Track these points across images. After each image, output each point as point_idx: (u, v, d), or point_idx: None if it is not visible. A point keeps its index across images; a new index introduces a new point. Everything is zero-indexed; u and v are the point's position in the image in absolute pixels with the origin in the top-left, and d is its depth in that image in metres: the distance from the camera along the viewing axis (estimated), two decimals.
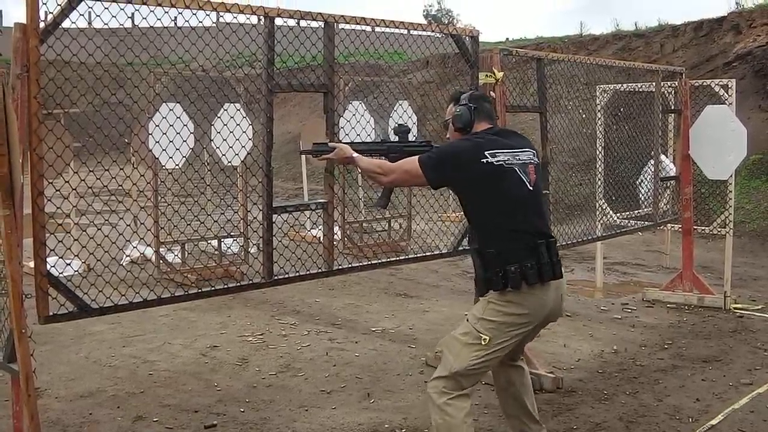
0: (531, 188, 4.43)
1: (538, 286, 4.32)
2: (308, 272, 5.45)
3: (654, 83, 8.94)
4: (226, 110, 9.47)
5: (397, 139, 5.20)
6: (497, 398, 5.03)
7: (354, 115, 8.83)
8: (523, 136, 4.75)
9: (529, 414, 4.79)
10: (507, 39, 32.51)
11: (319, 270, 5.52)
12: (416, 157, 4.56)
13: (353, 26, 5.67)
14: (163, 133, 5.43)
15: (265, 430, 5.47)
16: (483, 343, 4.28)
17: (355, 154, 4.87)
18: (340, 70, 17.49)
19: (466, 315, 4.52)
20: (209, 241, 10.60)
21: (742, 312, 8.86)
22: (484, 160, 4.35)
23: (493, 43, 29.10)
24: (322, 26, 5.38)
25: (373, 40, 6.26)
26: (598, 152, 9.71)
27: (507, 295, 4.29)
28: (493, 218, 4.42)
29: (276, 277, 5.27)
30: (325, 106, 5.48)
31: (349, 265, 5.74)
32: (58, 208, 5.18)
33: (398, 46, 6.24)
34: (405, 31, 6.06)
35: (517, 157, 4.45)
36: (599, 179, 9.71)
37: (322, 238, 5.64)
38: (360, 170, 5.07)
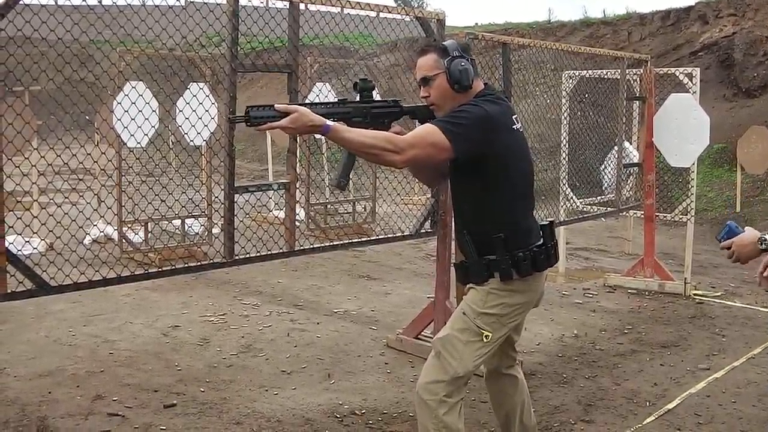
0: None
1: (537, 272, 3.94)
2: (269, 252, 5.44)
3: (619, 70, 8.98)
4: (190, 90, 9.40)
5: (358, 98, 4.05)
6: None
7: (317, 96, 8.81)
8: None
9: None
10: (476, 24, 32.50)
11: (281, 251, 5.52)
12: (430, 124, 3.73)
13: (322, 8, 5.65)
14: (125, 111, 5.40)
15: (225, 410, 5.45)
16: (485, 339, 3.86)
17: (330, 122, 3.61)
18: (307, 51, 17.43)
19: (462, 310, 3.98)
20: (172, 222, 10.54)
21: (702, 298, 8.96)
22: (514, 126, 3.87)
23: (461, 28, 29.08)
24: (287, 6, 5.36)
25: (341, 22, 6.24)
26: (562, 138, 9.75)
27: (513, 284, 3.87)
28: (512, 196, 3.89)
29: (237, 257, 5.27)
30: (288, 86, 5.47)
31: (311, 246, 5.74)
32: (17, 185, 5.13)
33: (365, 28, 6.23)
34: (374, 14, 6.05)
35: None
36: (563, 165, 9.75)
37: (284, 219, 5.63)
38: (343, 144, 3.67)
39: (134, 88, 6.95)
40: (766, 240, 3.44)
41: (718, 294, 9.18)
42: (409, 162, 3.69)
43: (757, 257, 3.53)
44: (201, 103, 6.86)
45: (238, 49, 5.17)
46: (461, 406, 3.90)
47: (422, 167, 4.15)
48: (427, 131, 3.66)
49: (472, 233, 3.94)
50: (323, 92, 10.38)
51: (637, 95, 9.59)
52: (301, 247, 5.65)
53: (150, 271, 5.07)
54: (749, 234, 3.54)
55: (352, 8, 5.76)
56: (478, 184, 3.87)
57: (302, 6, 5.49)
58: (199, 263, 5.44)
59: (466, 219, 4.02)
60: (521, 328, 4.30)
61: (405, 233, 6.50)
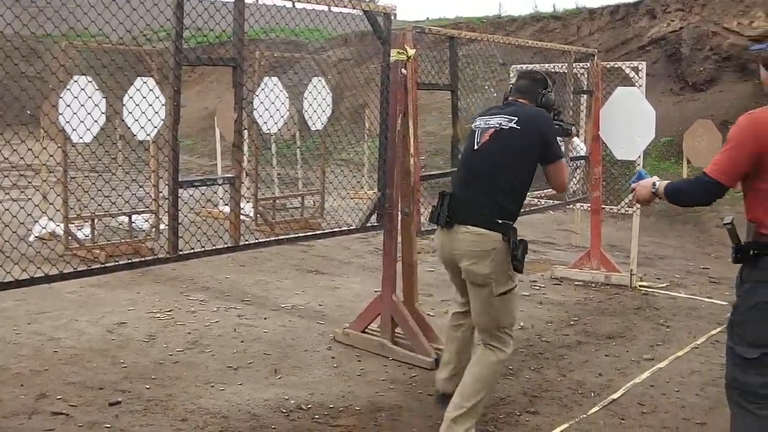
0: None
1: None
2: (214, 248, 5.41)
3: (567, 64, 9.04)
4: (135, 85, 9.30)
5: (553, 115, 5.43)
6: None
7: (263, 89, 8.78)
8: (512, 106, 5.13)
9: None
10: (427, 18, 32.46)
11: (225, 245, 5.49)
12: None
13: (272, 1, 5.63)
14: (67, 105, 5.33)
15: (171, 406, 5.41)
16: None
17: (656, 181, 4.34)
18: (259, 45, 17.35)
19: (490, 279, 4.78)
20: (119, 218, 10.44)
21: (647, 290, 9.06)
22: (473, 125, 5.14)
23: (412, 22, 29.05)
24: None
25: (296, 16, 6.23)
26: None
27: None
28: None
29: (181, 253, 5.23)
30: (233, 80, 5.45)
31: (256, 241, 5.73)
32: None
33: (314, 21, 6.22)
34: (325, 8, 6.03)
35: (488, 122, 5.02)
36: None
37: (228, 214, 5.61)
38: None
39: (76, 82, 6.85)
40: (655, 185, 4.26)
41: (664, 285, 9.27)
42: None
43: (650, 199, 4.35)
44: (145, 98, 6.79)
45: (184, 42, 5.13)
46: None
47: None
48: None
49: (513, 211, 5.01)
50: (269, 86, 10.35)
51: (585, 89, 9.66)
52: (246, 242, 5.62)
53: (93, 267, 5.02)
54: (649, 180, 4.34)
55: (301, 2, 5.74)
56: (528, 173, 5.03)
57: (251, 0, 5.48)
58: (142, 259, 5.39)
59: (510, 201, 5.02)
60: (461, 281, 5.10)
61: (351, 227, 6.49)
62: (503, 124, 4.92)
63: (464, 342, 5.36)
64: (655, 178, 4.34)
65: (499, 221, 4.80)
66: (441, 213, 4.99)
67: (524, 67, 9.86)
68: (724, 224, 4.02)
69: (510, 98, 5.27)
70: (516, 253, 4.76)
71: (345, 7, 6.23)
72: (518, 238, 4.81)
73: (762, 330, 3.83)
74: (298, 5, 5.91)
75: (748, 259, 3.93)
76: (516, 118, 4.92)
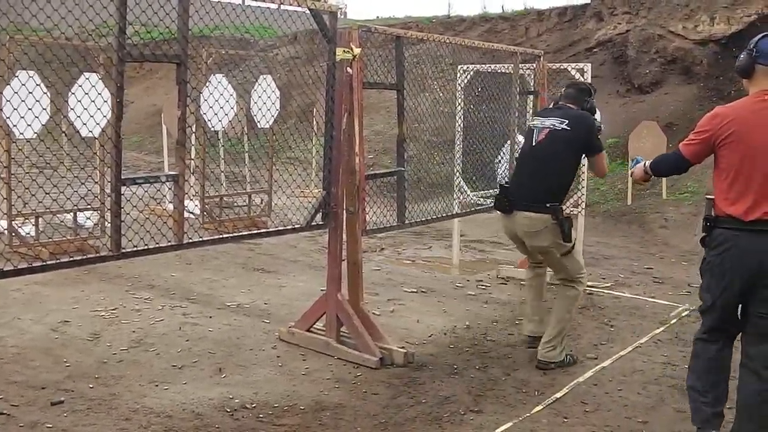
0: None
1: None
2: (157, 246, 5.37)
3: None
4: (85, 81, 9.18)
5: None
6: None
7: (210, 87, 8.71)
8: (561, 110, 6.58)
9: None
10: (377, 17, 32.49)
11: (169, 244, 5.45)
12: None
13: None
14: (8, 101, 5.26)
15: (114, 406, 5.37)
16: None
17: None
18: (207, 42, 17.24)
19: (550, 248, 6.40)
20: (64, 215, 10.31)
21: (593, 290, 9.14)
22: (529, 124, 6.95)
23: (362, 21, 29.08)
24: None
25: (241, 13, 6.20)
26: (456, 131, 9.83)
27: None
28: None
29: (124, 250, 5.19)
30: (177, 77, 5.40)
31: (200, 239, 5.69)
32: None
33: (260, 18, 6.19)
34: (273, 6, 6.01)
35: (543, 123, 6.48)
36: (457, 158, 9.83)
37: (172, 212, 5.57)
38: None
39: (17, 77, 6.76)
40: (646, 164, 5.33)
41: (608, 285, 9.36)
42: None
43: (645, 178, 5.42)
44: (100, 94, 6.73)
45: (130, 38, 5.09)
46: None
47: None
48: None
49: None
50: (214, 83, 10.28)
51: (531, 90, 9.71)
52: (190, 240, 5.59)
53: (34, 265, 4.96)
54: (641, 163, 5.40)
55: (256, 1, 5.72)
56: (574, 164, 6.73)
57: None
58: (84, 257, 5.32)
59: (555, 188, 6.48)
60: (528, 250, 6.78)
61: (296, 226, 6.48)
62: (556, 125, 6.34)
63: (537, 290, 7.12)
64: (647, 161, 5.38)
65: (548, 205, 6.26)
66: (503, 202, 6.48)
67: (472, 66, 9.92)
68: (707, 198, 5.06)
69: (560, 102, 6.66)
70: (564, 228, 6.28)
71: (291, 5, 6.21)
72: (564, 216, 6.32)
73: (711, 281, 4.83)
74: (246, 2, 5.87)
75: (706, 229, 4.87)
76: (567, 120, 6.34)
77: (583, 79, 9.35)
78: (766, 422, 4.71)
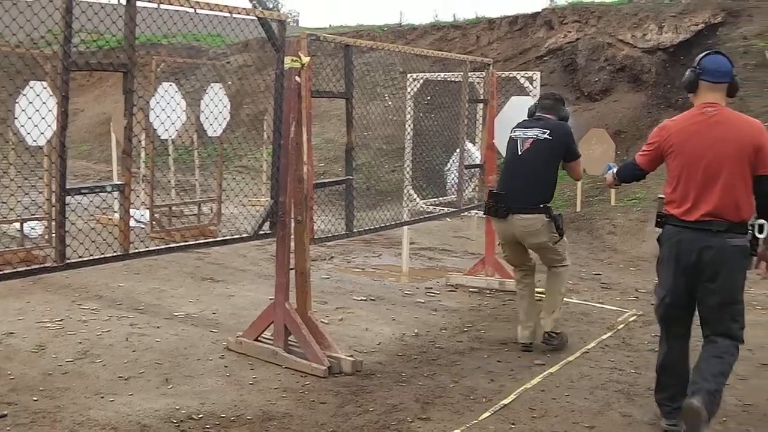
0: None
1: None
2: (102, 256, 5.33)
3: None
4: (30, 90, 9.09)
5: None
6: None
7: (160, 95, 8.65)
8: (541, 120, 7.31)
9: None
10: (329, 26, 32.49)
11: (115, 254, 5.41)
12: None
13: (172, 8, 5.57)
14: None
15: (59, 418, 5.30)
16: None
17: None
18: (157, 50, 17.13)
19: (545, 244, 7.19)
20: (11, 224, 10.19)
21: (541, 296, 9.17)
22: (512, 134, 7.33)
23: (314, 29, 29.03)
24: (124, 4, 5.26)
25: (186, 21, 6.17)
26: (406, 139, 9.86)
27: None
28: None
29: (69, 261, 5.14)
30: (124, 86, 5.38)
31: (146, 249, 5.65)
32: None
33: (208, 27, 6.17)
34: (223, 14, 6.00)
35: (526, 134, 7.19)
36: (407, 166, 9.86)
37: (118, 221, 5.52)
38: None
39: None
40: (614, 173, 5.99)
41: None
42: None
43: (614, 183, 6.11)
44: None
45: (82, 46, 5.05)
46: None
47: None
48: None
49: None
50: (169, 92, 10.23)
51: (480, 98, 9.77)
52: (136, 250, 5.55)
53: None
54: (611, 170, 6.07)
55: (200, 8, 5.69)
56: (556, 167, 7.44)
57: (152, 5, 5.41)
58: (27, 267, 5.26)
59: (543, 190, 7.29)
60: (516, 251, 7.44)
61: (244, 235, 6.47)
62: (539, 135, 7.09)
63: (530, 296, 7.44)
64: (615, 168, 6.03)
65: (541, 206, 7.08)
66: (498, 208, 7.12)
67: (421, 75, 9.97)
68: (659, 197, 5.59)
69: (537, 113, 7.35)
70: (557, 224, 7.11)
71: (240, 13, 6.19)
72: (555, 213, 7.16)
73: (663, 275, 5.47)
74: (190, 10, 5.83)
75: (658, 224, 5.49)
76: (548, 131, 7.09)
77: (532, 87, 9.43)
78: (712, 374, 5.15)
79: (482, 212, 9.78)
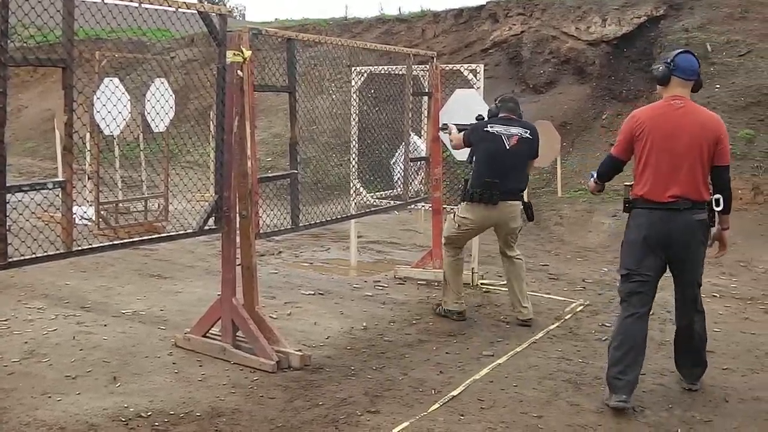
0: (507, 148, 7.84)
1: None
2: (45, 254, 5.27)
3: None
4: None
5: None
6: None
7: (103, 90, 8.58)
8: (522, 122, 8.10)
9: (518, 296, 8.02)
10: (275, 19, 32.27)
11: (58, 251, 5.35)
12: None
13: (118, 1, 5.51)
14: None
15: (4, 420, 5.23)
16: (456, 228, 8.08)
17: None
18: (101, 45, 16.93)
19: (519, 227, 8.16)
20: None
21: (489, 287, 9.26)
22: (487, 129, 7.89)
23: (259, 23, 28.88)
24: None
25: (125, 15, 6.10)
26: (352, 133, 9.86)
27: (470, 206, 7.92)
28: (479, 163, 7.93)
29: (11, 260, 5.08)
30: (63, 82, 5.31)
31: (89, 246, 5.59)
32: None
33: (160, 22, 6.13)
34: (164, 8, 5.94)
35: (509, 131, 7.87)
36: (353, 159, 9.86)
37: (60, 219, 5.46)
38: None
39: None
40: (594, 176, 6.31)
41: (504, 283, 9.45)
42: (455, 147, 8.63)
43: (597, 188, 6.38)
44: None
45: (18, 41, 4.97)
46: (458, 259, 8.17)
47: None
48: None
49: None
50: (110, 87, 10.15)
51: (425, 91, 9.78)
52: (79, 248, 5.49)
53: None
54: (592, 177, 6.36)
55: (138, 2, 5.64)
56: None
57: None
58: None
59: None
60: (502, 234, 8.11)
61: (188, 230, 6.43)
62: (522, 133, 7.89)
63: (522, 275, 8.17)
64: (594, 173, 6.33)
65: (521, 194, 8.02)
66: (492, 195, 7.69)
67: (366, 68, 9.97)
68: (625, 184, 6.07)
69: (503, 114, 8.02)
70: (529, 212, 8.04)
71: (180, 7, 6.14)
72: (527, 201, 8.09)
73: (629, 255, 5.87)
74: (134, 5, 5.77)
75: (626, 209, 6.00)
76: (528, 130, 7.96)
77: (476, 80, 9.48)
78: (693, 349, 6.19)
79: (429, 205, 9.87)
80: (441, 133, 9.28)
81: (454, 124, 8.72)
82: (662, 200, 5.70)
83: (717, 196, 5.81)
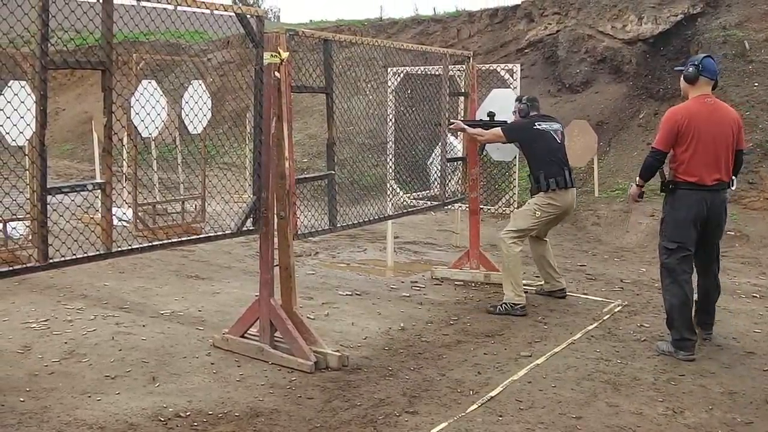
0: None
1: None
2: (85, 255, 5.31)
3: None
4: (10, 87, 9.05)
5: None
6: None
7: (141, 93, 8.62)
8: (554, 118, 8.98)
9: (555, 268, 9.05)
10: (310, 21, 32.33)
11: (97, 252, 5.39)
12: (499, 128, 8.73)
13: (153, 4, 5.54)
14: None
15: (45, 419, 5.29)
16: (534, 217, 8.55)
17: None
18: (139, 47, 17.04)
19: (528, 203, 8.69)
20: None
21: (527, 288, 9.21)
22: (536, 127, 8.51)
23: (294, 24, 28.94)
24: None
25: (176, 19, 6.15)
26: (388, 134, 9.85)
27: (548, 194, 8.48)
28: (537, 158, 8.59)
29: (51, 261, 5.12)
30: (102, 84, 5.34)
31: (129, 247, 5.62)
32: None
33: (193, 23, 6.15)
34: (202, 11, 5.97)
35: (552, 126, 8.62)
36: (390, 160, 9.86)
37: (100, 220, 5.50)
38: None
39: None
40: (637, 181, 7.25)
41: (541, 283, 9.41)
42: (488, 141, 9.03)
43: (639, 193, 7.33)
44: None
45: (62, 45, 5.02)
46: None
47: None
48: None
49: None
50: (149, 89, 10.20)
51: (461, 91, 9.76)
52: (119, 249, 5.53)
53: None
54: (631, 184, 7.51)
55: (178, 6, 5.66)
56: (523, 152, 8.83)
57: (131, 2, 5.39)
58: (11, 268, 5.22)
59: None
60: (562, 219, 9.04)
61: (226, 232, 6.45)
62: (560, 129, 8.70)
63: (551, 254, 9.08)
64: (632, 183, 7.41)
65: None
66: (566, 180, 8.42)
67: (402, 69, 9.96)
68: (668, 168, 7.00)
69: (534, 113, 8.72)
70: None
71: (217, 9, 6.16)
72: None
73: (675, 230, 6.89)
74: (170, 7, 5.79)
75: (667, 189, 6.97)
76: (561, 126, 8.78)
77: (513, 80, 9.45)
78: (712, 307, 7.39)
79: (465, 206, 9.84)
80: (449, 135, 9.28)
81: (462, 120, 9.31)
82: (708, 184, 6.79)
83: (732, 177, 7.06)
